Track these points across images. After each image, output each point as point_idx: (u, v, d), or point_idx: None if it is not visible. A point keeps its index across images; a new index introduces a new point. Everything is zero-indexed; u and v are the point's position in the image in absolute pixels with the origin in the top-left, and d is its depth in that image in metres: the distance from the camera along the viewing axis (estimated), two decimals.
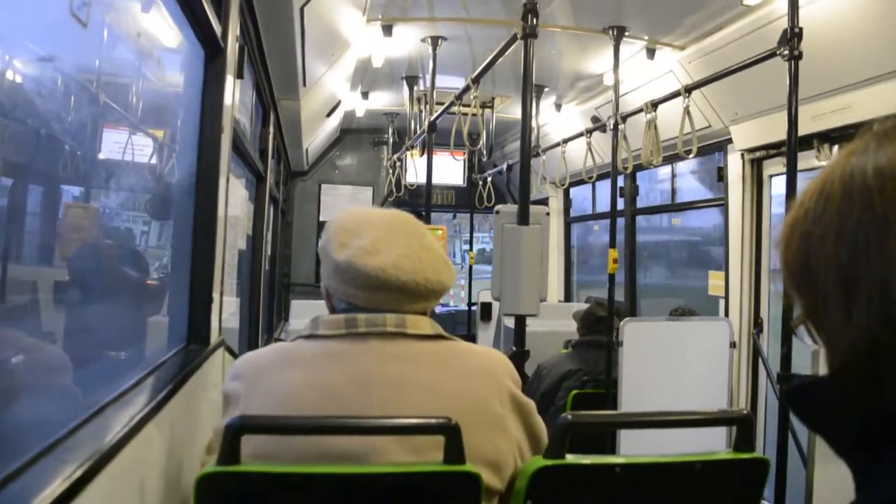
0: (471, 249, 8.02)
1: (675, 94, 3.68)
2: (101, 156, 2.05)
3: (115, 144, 2.07)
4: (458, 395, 1.38)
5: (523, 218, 2.64)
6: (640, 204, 5.96)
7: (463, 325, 7.81)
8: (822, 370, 0.67)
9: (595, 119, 5.57)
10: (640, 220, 6.05)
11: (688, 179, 5.69)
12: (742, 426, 1.43)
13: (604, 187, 6.49)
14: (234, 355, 2.70)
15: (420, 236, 1.46)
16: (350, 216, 1.49)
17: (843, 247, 0.60)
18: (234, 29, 2.44)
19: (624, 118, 4.17)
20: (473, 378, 1.42)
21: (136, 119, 2.18)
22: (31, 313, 1.63)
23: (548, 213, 2.77)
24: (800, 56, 2.67)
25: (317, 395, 1.34)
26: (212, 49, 2.30)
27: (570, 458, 1.36)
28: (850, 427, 0.61)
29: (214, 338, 2.31)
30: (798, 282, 0.65)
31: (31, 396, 1.33)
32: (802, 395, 0.66)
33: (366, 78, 5.85)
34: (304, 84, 4.36)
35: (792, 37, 2.67)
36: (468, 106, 4.14)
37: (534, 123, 5.53)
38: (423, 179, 5.12)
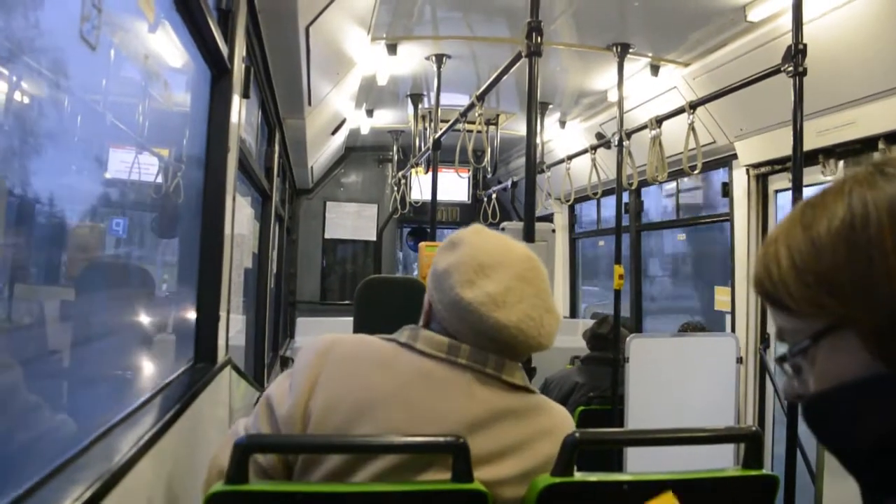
0: None
1: (680, 111, 3.69)
2: (108, 175, 2.06)
3: (122, 164, 2.08)
4: (528, 452, 1.37)
5: (529, 235, 2.64)
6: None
7: None
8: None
9: (599, 135, 5.59)
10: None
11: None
12: (750, 443, 1.43)
13: (609, 203, 6.50)
14: (241, 374, 2.70)
15: (546, 293, 1.41)
16: (485, 245, 1.41)
17: None
18: (240, 50, 2.46)
19: (628, 134, 4.18)
20: (546, 438, 1.40)
21: (142, 139, 2.20)
22: (38, 332, 1.63)
23: (553, 230, 2.77)
24: (804, 72, 2.68)
25: (398, 411, 1.30)
26: (218, 69, 2.32)
27: (578, 476, 1.36)
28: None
29: (221, 356, 2.32)
30: (845, 288, 0.65)
31: None
32: (828, 404, 0.67)
33: (370, 96, 5.88)
34: (310, 103, 4.38)
35: (796, 53, 2.68)
36: (473, 123, 4.16)
37: (538, 140, 5.55)
38: (428, 196, 5.13)
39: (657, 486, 1.42)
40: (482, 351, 1.36)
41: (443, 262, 1.41)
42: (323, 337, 1.40)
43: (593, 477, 1.39)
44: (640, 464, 3.23)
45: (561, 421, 1.46)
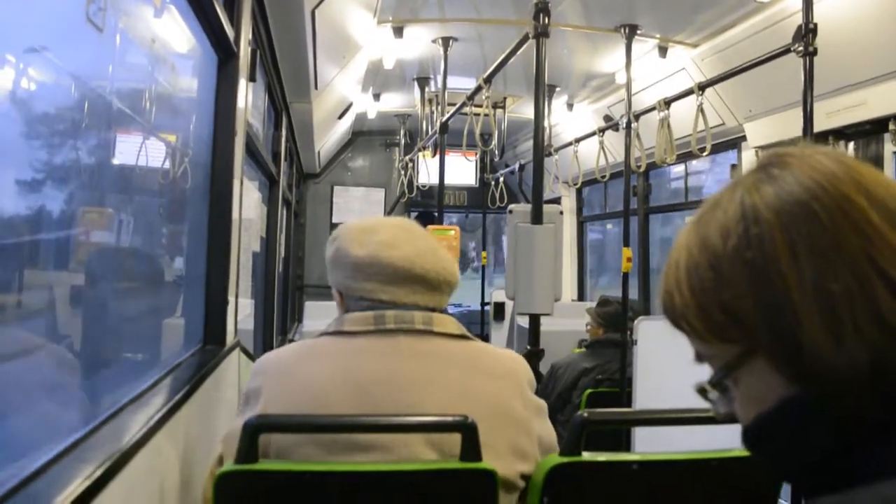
0: (484, 249, 8.01)
1: (689, 92, 3.66)
2: (116, 160, 2.06)
3: (129, 149, 2.08)
4: (484, 396, 1.39)
5: (537, 217, 2.64)
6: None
7: (476, 325, 7.81)
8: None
9: (607, 118, 5.56)
10: None
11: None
12: None
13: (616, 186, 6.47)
14: (250, 356, 2.72)
15: (429, 236, 1.52)
16: (361, 221, 1.53)
17: (813, 265, 0.60)
18: (246, 33, 2.46)
19: (636, 117, 4.16)
20: (498, 379, 1.43)
21: (149, 123, 2.20)
22: (49, 316, 1.64)
23: (561, 213, 2.77)
24: (815, 52, 2.65)
25: (348, 392, 1.34)
26: (225, 53, 2.31)
27: (587, 456, 1.37)
28: (830, 445, 0.61)
29: (230, 339, 2.33)
30: (749, 316, 0.63)
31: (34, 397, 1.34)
32: (771, 426, 0.65)
33: (377, 80, 5.85)
34: (316, 87, 4.37)
35: (807, 33, 2.65)
36: (480, 106, 4.14)
37: (546, 123, 5.52)
38: (435, 180, 5.12)
39: (666, 466, 1.43)
40: (407, 311, 1.41)
41: (328, 252, 1.51)
42: (259, 359, 1.47)
43: (602, 457, 1.39)
44: (649, 445, 3.23)
45: (509, 359, 1.50)
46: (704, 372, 0.75)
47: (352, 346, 1.39)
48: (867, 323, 0.58)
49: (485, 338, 6.90)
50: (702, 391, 0.71)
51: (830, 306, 0.59)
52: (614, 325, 3.96)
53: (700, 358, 0.71)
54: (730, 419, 0.70)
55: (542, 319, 2.74)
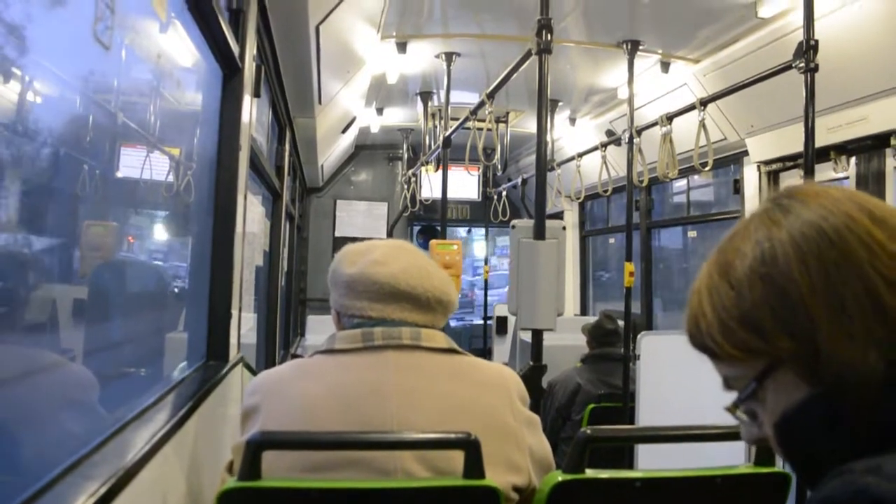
0: (486, 263, 8.01)
1: (691, 108, 3.68)
2: (120, 174, 2.07)
3: (134, 163, 2.09)
4: (473, 407, 1.40)
5: (539, 232, 2.64)
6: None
7: (479, 339, 7.79)
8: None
9: (610, 133, 5.57)
10: None
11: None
12: None
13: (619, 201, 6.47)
14: (253, 372, 2.71)
15: (423, 256, 1.55)
16: (356, 244, 1.58)
17: (822, 274, 0.66)
18: (251, 49, 2.47)
19: (639, 132, 4.17)
20: (487, 391, 1.44)
21: (154, 138, 2.20)
22: (51, 330, 1.64)
23: (564, 228, 2.77)
24: (816, 68, 2.66)
25: (335, 406, 1.35)
26: (229, 69, 2.32)
27: (590, 473, 1.36)
28: (848, 438, 0.65)
29: (233, 354, 2.32)
30: (768, 325, 0.68)
31: (56, 414, 1.35)
32: (798, 421, 0.69)
33: (380, 94, 5.88)
34: (320, 101, 4.39)
35: (808, 49, 2.66)
36: (483, 121, 4.15)
37: (548, 138, 5.53)
38: (438, 194, 5.13)
39: (670, 483, 1.42)
40: (394, 328, 1.43)
41: (329, 274, 1.56)
42: (254, 378, 1.51)
43: (605, 474, 1.39)
44: (652, 462, 3.22)
45: (498, 371, 1.51)
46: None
47: (341, 363, 1.42)
48: (874, 319, 0.64)
49: (487, 352, 6.89)
50: (731, 409, 0.75)
51: (841, 306, 0.64)
52: (603, 340, 3.97)
53: (728, 384, 0.76)
54: (758, 443, 0.75)
55: (545, 334, 2.74)
